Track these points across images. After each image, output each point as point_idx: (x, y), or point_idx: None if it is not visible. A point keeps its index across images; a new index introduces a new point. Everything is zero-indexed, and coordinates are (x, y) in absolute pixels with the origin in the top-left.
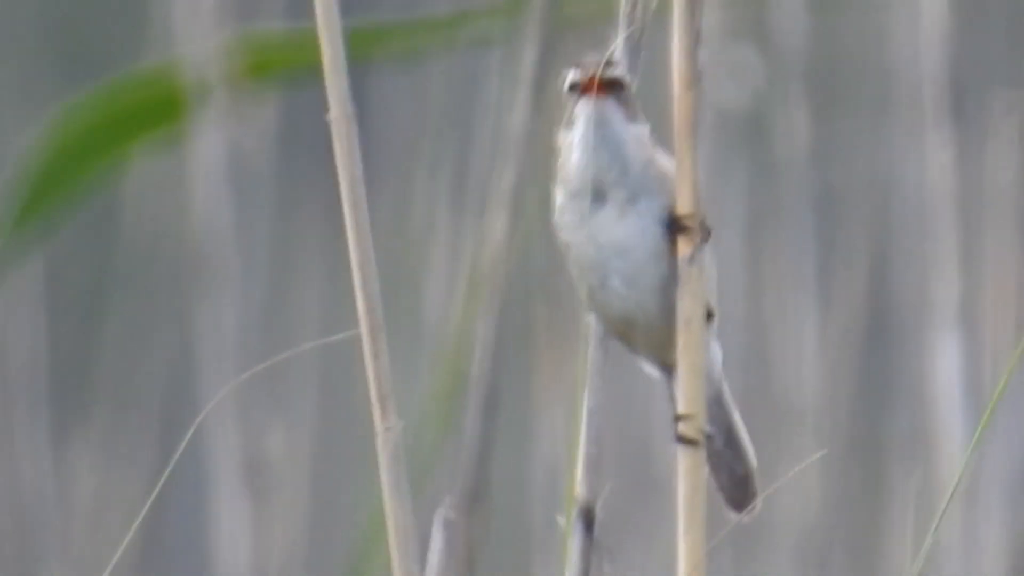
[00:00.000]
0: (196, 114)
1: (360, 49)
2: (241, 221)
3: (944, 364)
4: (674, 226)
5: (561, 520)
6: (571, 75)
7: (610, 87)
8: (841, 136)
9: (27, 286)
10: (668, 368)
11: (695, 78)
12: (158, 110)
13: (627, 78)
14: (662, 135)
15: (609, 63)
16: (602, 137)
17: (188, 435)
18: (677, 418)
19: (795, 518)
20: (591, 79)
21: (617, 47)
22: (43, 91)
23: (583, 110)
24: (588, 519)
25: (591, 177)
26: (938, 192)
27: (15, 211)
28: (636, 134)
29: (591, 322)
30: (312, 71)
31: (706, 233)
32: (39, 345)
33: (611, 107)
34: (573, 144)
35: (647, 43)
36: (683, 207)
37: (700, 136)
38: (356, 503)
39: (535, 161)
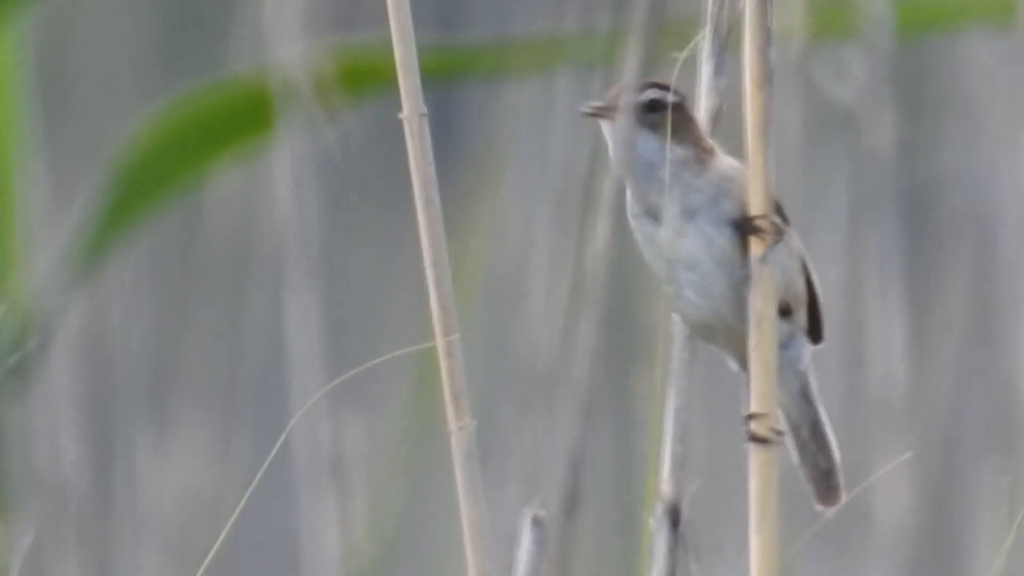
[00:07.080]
0: (284, 120)
1: (453, 67)
2: (332, 221)
3: None
4: (745, 227)
5: (647, 518)
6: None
7: (645, 110)
8: (936, 132)
9: (126, 284)
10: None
11: (767, 77)
12: (247, 114)
13: (668, 99)
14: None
15: (654, 86)
16: (628, 160)
17: (281, 438)
18: (749, 417)
19: (887, 514)
20: (611, 104)
21: (703, 47)
22: (151, 87)
23: (607, 133)
24: (674, 517)
25: (635, 196)
26: None
27: (109, 208)
28: (677, 154)
29: (676, 320)
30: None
31: (778, 232)
32: (139, 342)
33: (631, 129)
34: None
35: (733, 44)
36: (755, 207)
37: (785, 134)
38: (436, 500)
39: None
